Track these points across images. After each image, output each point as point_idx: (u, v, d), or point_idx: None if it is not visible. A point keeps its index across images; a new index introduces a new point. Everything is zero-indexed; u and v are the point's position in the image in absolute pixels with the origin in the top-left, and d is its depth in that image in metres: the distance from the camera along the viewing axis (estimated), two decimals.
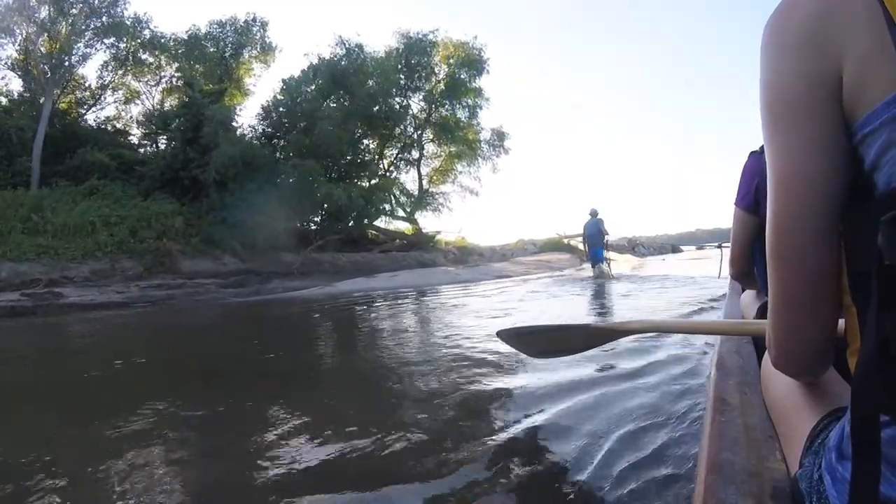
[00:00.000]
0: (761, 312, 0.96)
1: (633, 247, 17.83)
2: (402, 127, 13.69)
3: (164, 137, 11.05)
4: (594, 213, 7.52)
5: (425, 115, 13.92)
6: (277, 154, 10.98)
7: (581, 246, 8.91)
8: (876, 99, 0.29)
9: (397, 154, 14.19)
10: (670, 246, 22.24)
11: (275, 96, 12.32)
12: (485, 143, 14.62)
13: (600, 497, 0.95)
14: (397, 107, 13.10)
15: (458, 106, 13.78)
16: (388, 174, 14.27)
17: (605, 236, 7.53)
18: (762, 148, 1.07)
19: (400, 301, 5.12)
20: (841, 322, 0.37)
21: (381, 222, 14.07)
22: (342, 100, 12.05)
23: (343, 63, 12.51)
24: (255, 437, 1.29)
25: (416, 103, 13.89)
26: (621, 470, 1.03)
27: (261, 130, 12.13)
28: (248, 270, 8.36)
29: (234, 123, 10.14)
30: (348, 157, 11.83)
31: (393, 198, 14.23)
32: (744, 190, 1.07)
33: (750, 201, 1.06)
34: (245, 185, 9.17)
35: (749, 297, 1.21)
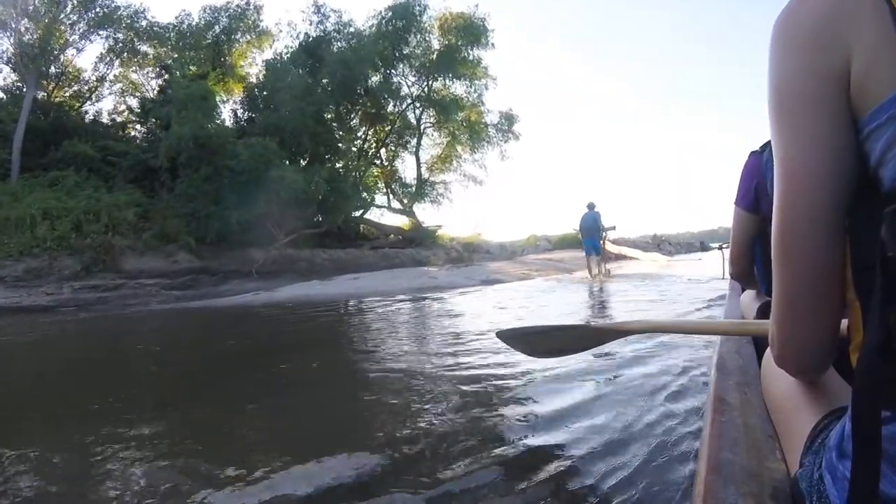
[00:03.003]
0: (761, 312, 1.06)
1: (657, 244, 18.07)
2: (393, 104, 13.64)
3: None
4: (591, 206, 8.16)
5: (418, 92, 13.85)
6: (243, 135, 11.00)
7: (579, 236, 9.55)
8: (882, 95, 0.33)
9: (386, 137, 14.13)
10: (699, 243, 22.53)
11: (257, 78, 12.58)
12: (492, 127, 14.68)
13: (601, 496, 1.05)
14: (381, 79, 13.03)
15: (454, 79, 13.69)
16: (376, 159, 14.21)
17: (603, 231, 8.16)
18: (762, 147, 1.18)
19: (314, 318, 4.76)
20: (843, 322, 0.42)
21: (375, 216, 14.13)
22: (314, 71, 12.06)
23: (319, 29, 12.60)
24: None
25: (406, 77, 13.80)
26: (621, 469, 1.14)
27: (245, 116, 12.34)
28: (202, 269, 8.38)
29: (211, 106, 10.08)
30: (316, 136, 11.54)
31: (389, 189, 14.25)
32: (744, 189, 1.19)
33: (750, 201, 1.18)
34: (200, 170, 9.13)
35: (749, 297, 1.33)
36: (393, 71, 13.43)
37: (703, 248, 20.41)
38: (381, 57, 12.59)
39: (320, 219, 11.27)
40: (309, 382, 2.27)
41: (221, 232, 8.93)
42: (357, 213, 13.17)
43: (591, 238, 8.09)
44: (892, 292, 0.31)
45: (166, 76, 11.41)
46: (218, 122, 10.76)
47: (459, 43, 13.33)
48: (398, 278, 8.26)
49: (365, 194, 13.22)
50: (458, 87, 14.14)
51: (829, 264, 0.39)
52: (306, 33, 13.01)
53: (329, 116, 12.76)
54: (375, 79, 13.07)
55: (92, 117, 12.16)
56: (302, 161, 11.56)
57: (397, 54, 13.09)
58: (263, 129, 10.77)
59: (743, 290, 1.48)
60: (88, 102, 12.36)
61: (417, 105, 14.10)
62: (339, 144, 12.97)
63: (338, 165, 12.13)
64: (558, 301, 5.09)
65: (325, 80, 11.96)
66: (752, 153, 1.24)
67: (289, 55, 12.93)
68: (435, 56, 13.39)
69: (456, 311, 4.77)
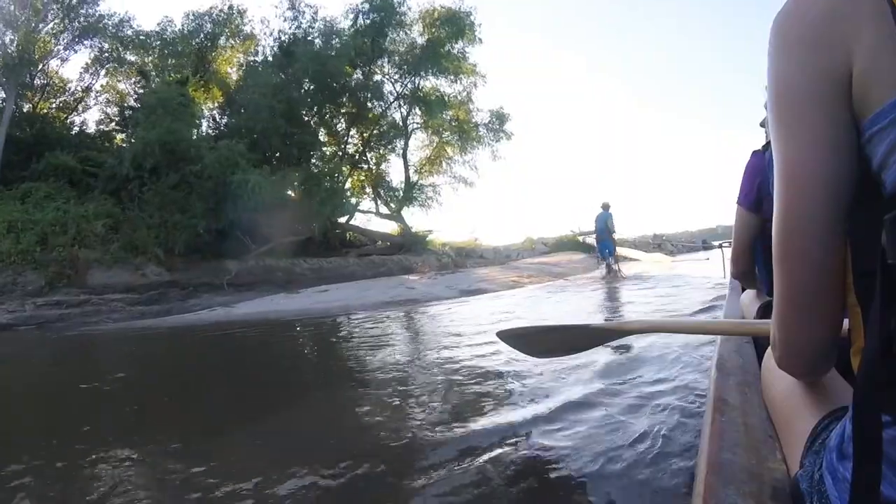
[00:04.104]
0: (762, 312, 1.12)
1: (658, 244, 18.34)
2: (376, 103, 13.65)
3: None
4: (606, 207, 8.46)
5: (402, 90, 13.85)
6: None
7: (594, 242, 9.81)
8: (884, 97, 0.35)
9: (370, 137, 14.13)
10: (701, 242, 22.88)
11: (237, 82, 12.58)
12: (482, 127, 14.76)
13: (600, 496, 1.10)
14: (361, 76, 13.04)
15: (439, 75, 13.72)
16: (363, 162, 14.09)
17: (612, 231, 8.41)
18: (765, 146, 1.24)
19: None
20: (844, 322, 0.44)
21: (362, 222, 14.03)
22: (287, 68, 12.08)
23: (294, 25, 12.64)
24: None
25: (390, 76, 13.80)
26: (620, 470, 1.19)
27: (224, 121, 12.35)
28: (171, 283, 8.33)
29: (186, 112, 9.99)
30: (289, 137, 11.33)
31: (377, 194, 14.21)
32: (746, 188, 1.25)
33: (752, 200, 1.24)
34: (168, 177, 9.05)
35: (749, 296, 1.38)
36: (374, 68, 13.43)
37: (706, 246, 20.70)
38: (360, 52, 12.54)
39: (302, 226, 11.16)
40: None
41: (190, 242, 8.83)
42: (343, 219, 13.14)
43: (603, 241, 8.42)
44: (892, 299, 0.33)
45: (143, 83, 11.72)
46: (196, 128, 10.73)
47: (443, 36, 13.32)
48: (370, 289, 7.89)
49: (353, 199, 13.18)
50: (444, 84, 14.17)
51: (829, 266, 0.41)
52: (280, 30, 13.08)
53: (309, 118, 12.74)
54: (356, 76, 13.08)
55: (78, 128, 12.50)
56: (281, 165, 11.48)
57: (377, 49, 13.05)
58: (233, 132, 10.70)
59: (743, 290, 1.54)
60: (74, 113, 12.72)
61: (402, 103, 14.14)
62: (316, 146, 12.85)
63: (314, 169, 12.05)
64: (542, 320, 4.26)
65: (298, 77, 11.91)
66: (755, 152, 1.28)
67: (263, 54, 13.05)
68: (418, 51, 13.37)
69: (392, 339, 3.98)
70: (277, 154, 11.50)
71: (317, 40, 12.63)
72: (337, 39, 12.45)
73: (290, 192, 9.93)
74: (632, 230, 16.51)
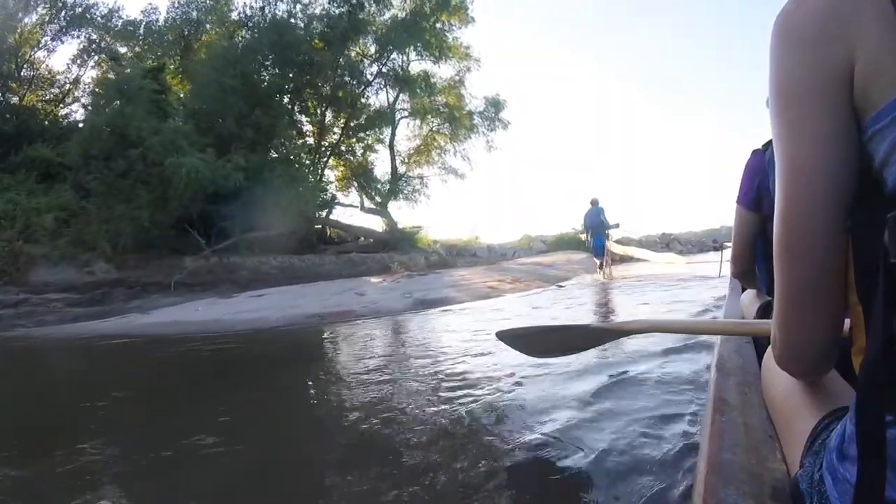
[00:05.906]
0: (762, 312, 1.20)
1: (667, 243, 18.65)
2: (354, 83, 13.53)
3: None
4: (595, 202, 8.73)
5: (380, 69, 13.75)
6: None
7: (584, 238, 9.84)
8: (886, 96, 0.37)
9: (348, 120, 13.98)
10: (712, 241, 23.31)
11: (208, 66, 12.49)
12: (476, 115, 14.79)
13: (600, 496, 1.16)
14: (334, 52, 12.76)
15: (423, 53, 13.66)
16: (349, 153, 14.03)
17: (607, 228, 8.57)
18: (765, 146, 1.32)
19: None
20: (845, 322, 0.47)
21: (344, 216, 13.98)
22: (249, 42, 12.02)
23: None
24: None
25: (368, 55, 13.69)
26: (619, 469, 1.25)
27: (194, 107, 12.12)
28: (118, 282, 8.23)
29: (147, 98, 9.70)
30: (243, 118, 10.82)
31: (361, 187, 14.08)
32: (746, 187, 1.34)
33: (751, 199, 1.32)
34: (118, 163, 8.82)
35: (749, 296, 1.47)
36: (350, 44, 13.17)
37: (716, 247, 20.96)
38: (333, 25, 12.35)
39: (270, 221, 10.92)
40: None
41: (139, 237, 8.63)
42: (323, 213, 13.03)
43: (598, 236, 8.56)
44: (894, 297, 0.35)
45: (117, 68, 11.81)
46: (168, 116, 10.48)
47: (427, 9, 13.20)
48: (308, 296, 7.31)
49: (331, 191, 13.06)
50: (430, 64, 14.11)
51: (831, 264, 0.44)
52: (245, 3, 12.90)
53: (280, 99, 12.57)
54: (330, 53, 12.93)
55: (68, 120, 12.77)
56: (239, 149, 11.18)
57: (353, 23, 12.73)
58: (186, 114, 10.51)
59: (743, 290, 1.63)
60: (62, 105, 13.13)
61: (385, 84, 13.98)
62: (280, 129, 12.15)
63: (274, 154, 11.71)
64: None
65: (254, 48, 11.69)
66: (755, 151, 1.37)
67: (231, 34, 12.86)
68: (399, 25, 13.18)
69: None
70: (236, 137, 10.92)
71: (280, 10, 12.50)
72: (300, 7, 12.43)
73: (244, 181, 9.35)
74: (636, 228, 16.70)
